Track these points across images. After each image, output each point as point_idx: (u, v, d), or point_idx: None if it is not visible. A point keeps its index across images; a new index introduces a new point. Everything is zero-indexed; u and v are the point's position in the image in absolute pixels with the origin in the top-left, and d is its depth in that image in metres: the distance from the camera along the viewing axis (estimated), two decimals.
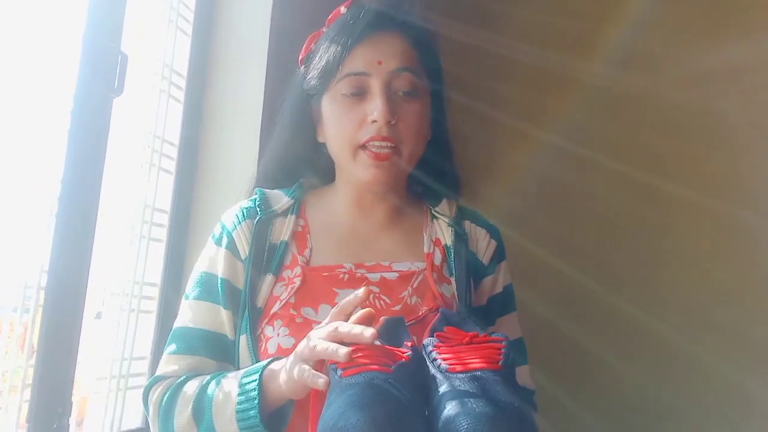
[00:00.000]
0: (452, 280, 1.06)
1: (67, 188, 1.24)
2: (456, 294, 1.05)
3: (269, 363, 0.94)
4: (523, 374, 1.11)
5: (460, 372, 0.80)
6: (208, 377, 0.99)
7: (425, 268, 1.06)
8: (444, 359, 0.82)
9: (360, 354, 0.81)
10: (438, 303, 1.01)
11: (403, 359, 0.82)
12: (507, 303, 1.14)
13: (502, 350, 0.82)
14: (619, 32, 2.77)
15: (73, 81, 1.27)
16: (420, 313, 1.01)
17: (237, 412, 0.91)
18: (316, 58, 1.08)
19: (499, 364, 0.80)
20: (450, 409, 0.75)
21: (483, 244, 1.12)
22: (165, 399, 1.00)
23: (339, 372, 0.80)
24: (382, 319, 0.92)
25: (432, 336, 0.89)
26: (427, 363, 0.84)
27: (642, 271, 2.65)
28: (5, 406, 1.17)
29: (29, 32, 1.22)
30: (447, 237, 1.10)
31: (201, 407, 0.95)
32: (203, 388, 0.97)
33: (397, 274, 1.05)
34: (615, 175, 2.60)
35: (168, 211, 1.61)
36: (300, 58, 1.14)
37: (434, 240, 1.11)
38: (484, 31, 2.68)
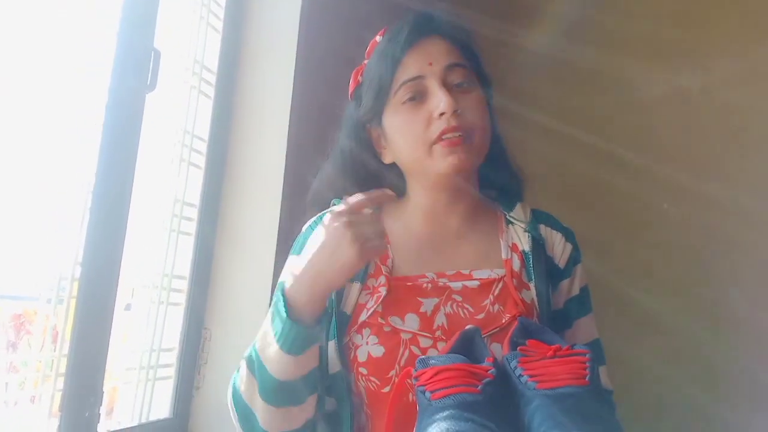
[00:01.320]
0: (531, 285, 1.06)
1: (100, 182, 1.27)
2: (536, 299, 1.05)
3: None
4: (601, 375, 1.09)
5: (549, 388, 0.79)
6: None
7: (505, 275, 1.06)
8: (531, 375, 0.82)
9: (446, 375, 0.81)
10: (519, 309, 1.01)
11: (489, 377, 0.82)
12: (583, 304, 1.14)
13: (587, 364, 0.82)
14: (647, 25, 2.74)
15: (108, 77, 1.29)
16: (503, 321, 1.01)
17: (273, 327, 0.93)
18: (367, 83, 1.10)
19: (586, 379, 0.80)
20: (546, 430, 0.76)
21: (559, 248, 1.12)
22: (233, 380, 1.03)
23: (428, 395, 0.81)
24: (457, 333, 0.94)
25: (512, 348, 0.89)
26: (513, 378, 0.84)
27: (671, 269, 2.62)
28: (39, 396, 1.19)
29: (65, 31, 1.25)
30: (524, 242, 1.09)
31: (250, 357, 0.98)
32: (252, 347, 0.99)
33: (478, 282, 1.05)
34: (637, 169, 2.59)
35: (197, 206, 1.63)
36: (350, 92, 1.15)
37: (511, 245, 1.10)
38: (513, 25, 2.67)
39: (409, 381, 0.88)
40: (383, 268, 1.06)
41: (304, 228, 1.14)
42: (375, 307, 1.02)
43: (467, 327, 0.95)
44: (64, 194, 1.25)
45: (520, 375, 0.82)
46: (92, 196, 1.26)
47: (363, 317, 1.02)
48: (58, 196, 1.24)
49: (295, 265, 0.98)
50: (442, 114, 1.01)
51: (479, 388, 0.80)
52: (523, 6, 2.89)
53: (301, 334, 0.92)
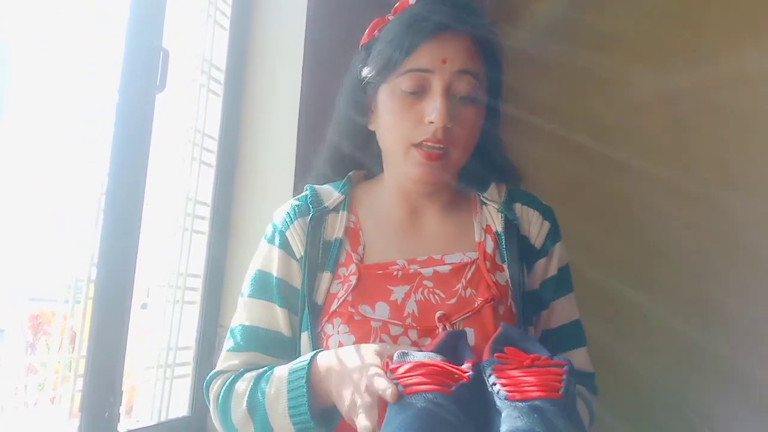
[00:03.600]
0: (505, 267, 1.05)
1: (113, 183, 1.27)
2: (510, 281, 1.04)
3: (315, 355, 0.95)
4: (581, 356, 1.10)
5: (520, 400, 0.77)
6: (260, 371, 1.01)
7: (477, 258, 1.05)
8: (503, 384, 0.80)
9: (422, 371, 0.80)
10: (493, 292, 1.00)
11: (464, 379, 0.81)
12: (562, 285, 1.11)
13: (564, 376, 0.80)
14: (655, 29, 2.72)
15: (117, 78, 1.29)
16: (475, 305, 1.00)
17: (289, 408, 0.93)
18: (379, 47, 1.06)
19: (560, 392, 0.78)
20: None
21: (536, 227, 1.09)
22: (221, 394, 1.03)
23: (400, 388, 0.80)
24: (442, 333, 0.93)
25: (492, 354, 0.87)
26: (486, 385, 0.82)
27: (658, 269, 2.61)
28: (59, 397, 1.21)
29: (74, 32, 1.25)
30: (497, 223, 1.08)
31: (255, 402, 0.97)
32: (256, 383, 0.99)
33: (449, 267, 1.04)
34: (642, 174, 2.57)
35: (209, 204, 1.64)
36: (362, 42, 1.12)
37: (485, 227, 1.09)
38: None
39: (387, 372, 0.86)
40: (354, 256, 1.05)
41: (276, 213, 1.13)
42: (345, 296, 1.02)
43: (453, 330, 0.94)
44: (78, 197, 1.25)
45: (493, 383, 0.81)
46: (105, 197, 1.26)
47: (334, 307, 1.02)
48: (72, 198, 1.25)
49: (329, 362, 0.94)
50: (431, 122, 1.00)
51: (453, 389, 0.79)
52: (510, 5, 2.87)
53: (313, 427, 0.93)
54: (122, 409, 1.30)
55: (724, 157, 2.58)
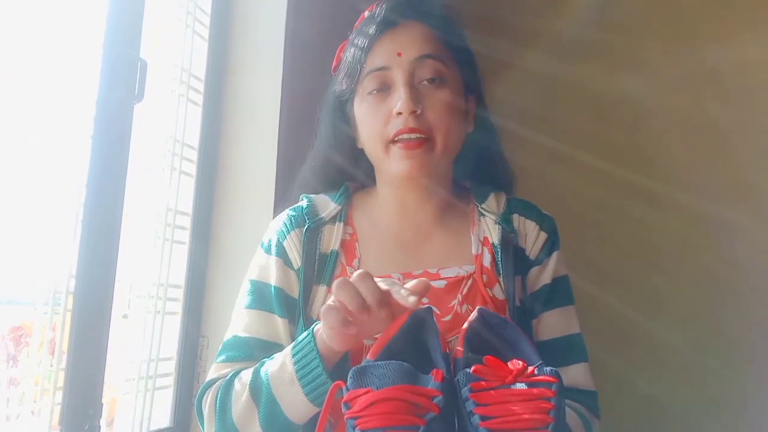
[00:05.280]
0: (502, 280, 1.01)
1: (91, 194, 1.27)
2: (506, 295, 1.00)
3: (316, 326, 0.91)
4: (581, 373, 1.04)
5: None
6: (259, 363, 0.97)
7: (474, 272, 1.02)
8: (483, 416, 0.69)
9: (383, 407, 0.68)
10: (489, 308, 0.94)
11: (433, 411, 0.69)
12: (556, 295, 1.06)
13: (552, 402, 0.69)
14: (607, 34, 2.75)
15: (95, 89, 1.29)
16: None
17: (296, 371, 0.88)
18: (343, 64, 1.07)
19: (549, 428, 0.67)
20: None
21: (531, 238, 1.06)
22: (219, 394, 0.98)
23: None
24: (406, 314, 0.83)
25: (467, 344, 0.79)
26: (462, 410, 0.71)
27: (639, 275, 2.63)
28: (38, 410, 1.19)
29: (51, 42, 1.24)
30: (494, 235, 1.05)
31: (257, 384, 0.93)
32: (257, 369, 0.95)
33: (445, 282, 1.01)
34: (616, 179, 2.60)
35: (190, 214, 1.63)
36: (333, 67, 1.13)
37: (482, 240, 1.06)
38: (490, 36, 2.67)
39: (338, 398, 0.74)
40: (348, 269, 1.04)
41: (272, 222, 1.11)
42: None
43: (418, 308, 0.82)
44: (56, 208, 1.24)
45: (471, 411, 0.70)
46: (83, 208, 1.25)
47: None
48: (50, 209, 1.24)
49: None
50: (399, 113, 0.99)
51: (420, 430, 0.67)
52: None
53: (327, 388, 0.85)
54: (103, 422, 1.29)
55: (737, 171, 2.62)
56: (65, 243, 1.23)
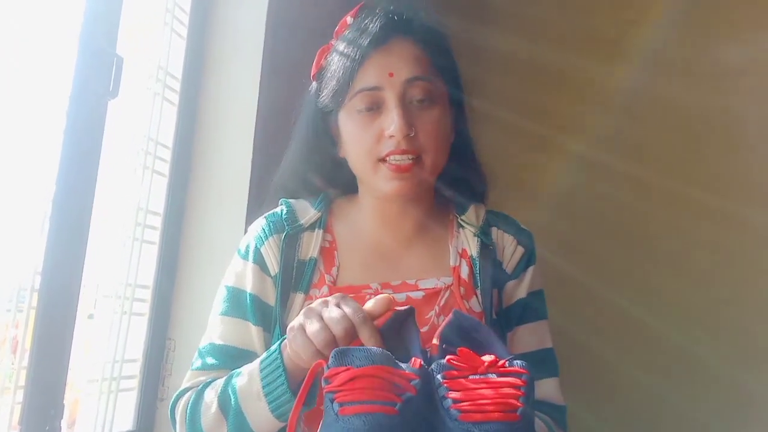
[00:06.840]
0: (479, 293, 1.02)
1: (61, 190, 1.24)
2: (483, 308, 1.01)
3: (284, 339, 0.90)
4: (551, 387, 1.05)
5: (472, 422, 0.69)
6: (230, 374, 0.97)
7: (452, 284, 1.03)
8: (455, 400, 0.71)
9: (362, 383, 0.71)
10: None
11: (410, 391, 0.72)
12: (531, 310, 1.07)
13: (522, 390, 0.71)
14: (643, 34, 2.78)
15: (69, 84, 1.26)
16: None
17: (263, 387, 0.89)
18: (328, 75, 1.05)
19: (518, 413, 0.69)
20: None
21: (509, 252, 1.07)
22: (190, 404, 0.98)
23: (335, 407, 0.71)
24: (388, 313, 0.85)
25: (442, 344, 0.81)
26: (436, 396, 0.74)
27: (657, 276, 2.66)
28: None
29: (25, 35, 1.22)
30: (473, 248, 1.05)
31: (226, 397, 0.93)
32: (226, 382, 0.95)
33: (422, 293, 1.02)
34: (635, 179, 2.62)
35: (161, 214, 1.61)
36: (312, 73, 1.11)
37: (460, 252, 1.06)
38: (505, 34, 2.69)
39: (319, 378, 0.77)
40: (327, 278, 1.03)
41: (250, 228, 1.10)
42: None
43: (399, 308, 0.85)
44: (23, 203, 1.22)
45: (444, 396, 0.72)
46: (52, 204, 1.23)
47: None
48: (17, 205, 1.22)
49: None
50: (392, 136, 0.98)
51: (397, 407, 0.70)
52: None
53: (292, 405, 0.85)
54: (64, 423, 1.27)
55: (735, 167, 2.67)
56: (32, 239, 1.21)
